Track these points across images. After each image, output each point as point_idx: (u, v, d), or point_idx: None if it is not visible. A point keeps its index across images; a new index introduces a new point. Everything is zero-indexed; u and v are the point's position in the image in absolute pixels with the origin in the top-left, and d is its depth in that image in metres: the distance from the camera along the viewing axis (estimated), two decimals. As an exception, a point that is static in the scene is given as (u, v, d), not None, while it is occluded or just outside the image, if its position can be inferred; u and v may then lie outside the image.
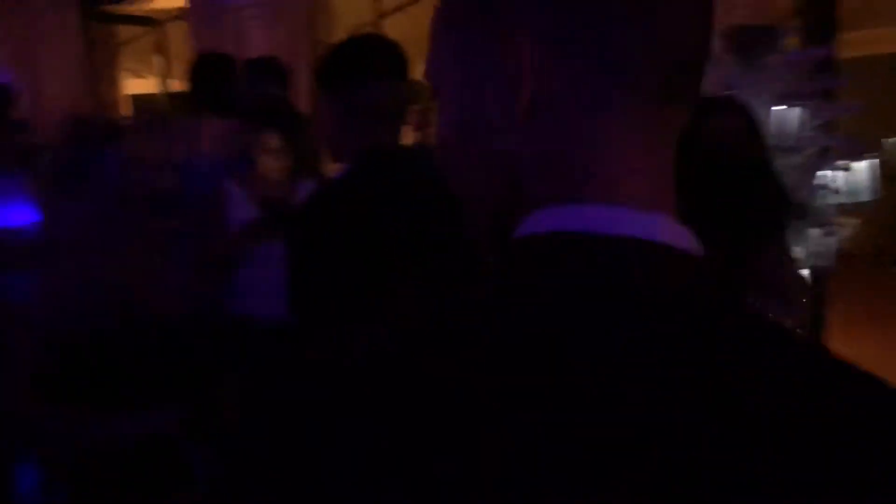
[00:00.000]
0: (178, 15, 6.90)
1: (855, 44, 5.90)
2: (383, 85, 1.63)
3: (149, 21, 6.37)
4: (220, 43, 5.06)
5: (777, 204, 1.58)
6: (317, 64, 1.74)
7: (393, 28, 6.52)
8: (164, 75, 6.40)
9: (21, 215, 2.94)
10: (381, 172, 1.58)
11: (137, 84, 7.94)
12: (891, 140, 7.17)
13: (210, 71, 3.46)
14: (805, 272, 2.83)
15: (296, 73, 4.77)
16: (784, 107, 2.68)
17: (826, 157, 2.79)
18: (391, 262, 1.43)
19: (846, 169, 2.76)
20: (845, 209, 2.86)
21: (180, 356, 1.71)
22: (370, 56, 1.65)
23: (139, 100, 6.92)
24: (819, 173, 2.81)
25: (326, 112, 1.70)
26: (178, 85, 7.17)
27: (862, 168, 2.73)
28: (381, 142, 1.62)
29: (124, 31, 6.66)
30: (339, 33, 5.59)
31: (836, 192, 2.79)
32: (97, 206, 1.78)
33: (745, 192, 1.38)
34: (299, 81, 4.79)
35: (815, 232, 2.76)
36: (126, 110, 6.43)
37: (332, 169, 2.02)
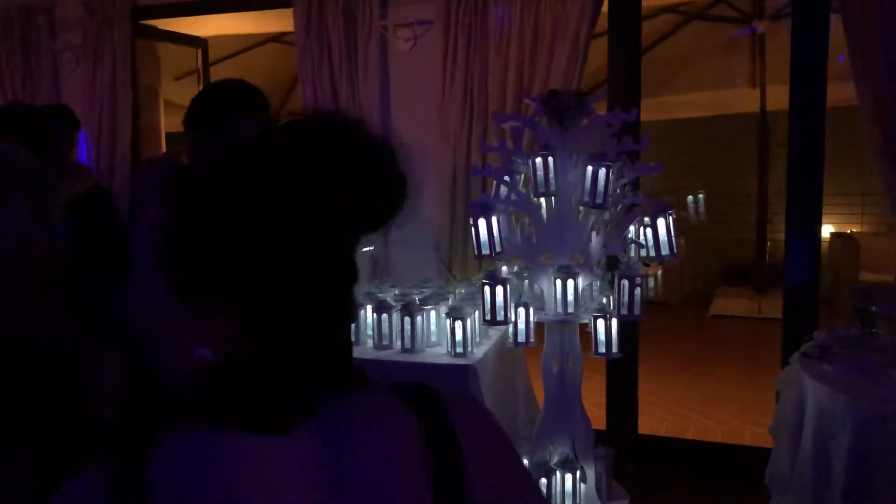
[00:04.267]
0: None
1: (658, 108, 6.44)
2: (246, 125, 1.62)
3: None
4: (32, 84, 4.78)
5: None
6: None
7: (222, 74, 6.43)
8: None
9: None
10: None
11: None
12: (690, 198, 7.81)
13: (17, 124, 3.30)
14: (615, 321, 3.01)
15: (117, 118, 4.59)
16: (592, 167, 2.87)
17: (632, 214, 3.00)
18: None
19: (650, 226, 2.98)
20: (650, 262, 3.08)
21: None
22: (234, 98, 1.64)
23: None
24: (629, 230, 3.02)
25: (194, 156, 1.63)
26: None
27: (662, 225, 2.96)
28: None
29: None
30: (166, 80, 5.44)
31: (642, 246, 3.00)
32: None
33: None
34: (122, 126, 4.61)
35: (624, 283, 2.95)
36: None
37: None
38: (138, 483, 0.71)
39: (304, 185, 0.74)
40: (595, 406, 3.81)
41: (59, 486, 0.74)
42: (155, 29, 4.88)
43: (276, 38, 7.44)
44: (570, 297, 2.98)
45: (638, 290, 2.95)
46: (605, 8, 3.81)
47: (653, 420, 4.54)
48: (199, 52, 5.30)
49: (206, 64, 5.36)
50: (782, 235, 3.83)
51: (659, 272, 7.37)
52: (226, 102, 1.64)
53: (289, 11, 4.27)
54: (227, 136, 1.52)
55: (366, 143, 0.77)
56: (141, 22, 4.70)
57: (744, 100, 7.82)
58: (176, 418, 0.75)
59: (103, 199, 3.40)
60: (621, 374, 4.02)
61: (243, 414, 0.76)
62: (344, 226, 0.77)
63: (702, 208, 7.91)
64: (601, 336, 3.02)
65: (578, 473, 3.05)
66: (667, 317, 7.60)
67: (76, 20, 4.62)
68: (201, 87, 5.27)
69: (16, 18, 4.72)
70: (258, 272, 0.74)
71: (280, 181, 0.74)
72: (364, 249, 0.81)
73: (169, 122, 5.34)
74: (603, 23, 3.87)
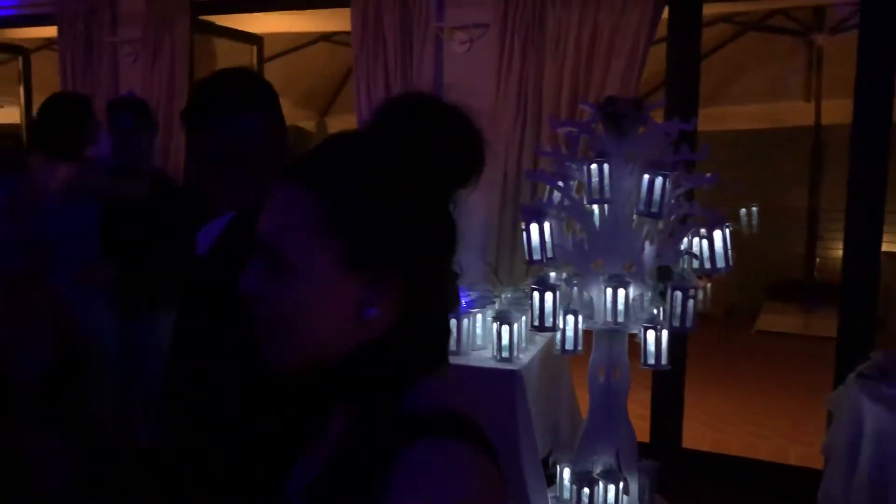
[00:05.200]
0: (46, 44, 6.61)
1: (712, 119, 6.35)
2: (249, 117, 1.49)
3: (17, 49, 6.05)
4: (92, 77, 4.87)
5: None
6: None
7: (274, 72, 6.50)
8: (28, 105, 6.07)
9: None
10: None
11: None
12: (742, 210, 7.68)
13: (58, 112, 3.37)
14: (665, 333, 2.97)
15: (174, 112, 4.66)
16: (649, 175, 2.84)
17: (688, 225, 2.96)
18: None
19: (707, 237, 2.93)
20: (705, 274, 3.04)
21: None
22: (234, 90, 1.53)
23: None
24: (683, 240, 2.98)
25: (191, 153, 1.55)
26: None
27: (719, 237, 2.91)
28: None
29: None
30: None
31: (697, 258, 2.96)
32: None
33: None
34: (177, 120, 4.67)
35: (677, 294, 2.91)
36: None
37: None
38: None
39: (434, 156, 0.86)
40: (638, 418, 3.75)
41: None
42: (213, 25, 4.94)
43: (327, 37, 7.49)
44: (621, 306, 2.94)
45: (691, 302, 2.91)
46: (664, 14, 3.76)
47: (696, 434, 4.46)
48: (255, 49, 5.36)
49: (262, 61, 5.41)
50: (832, 252, 3.75)
51: (708, 285, 7.27)
52: (226, 95, 1.52)
53: (342, 11, 4.29)
54: (230, 131, 1.45)
55: (454, 111, 0.91)
56: (199, 17, 4.76)
57: (797, 113, 7.67)
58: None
59: (169, 199, 3.38)
60: (667, 387, 3.97)
61: (440, 353, 0.90)
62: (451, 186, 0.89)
63: (753, 221, 7.76)
64: (651, 347, 2.99)
65: (622, 485, 3.02)
66: (711, 330, 7.46)
67: (137, 14, 4.70)
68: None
69: (80, 11, 4.82)
70: (415, 237, 0.85)
71: (413, 153, 0.85)
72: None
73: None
74: (659, 29, 3.82)
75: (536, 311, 2.96)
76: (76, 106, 3.42)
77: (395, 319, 0.85)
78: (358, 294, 0.83)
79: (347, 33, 4.60)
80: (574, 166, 3.04)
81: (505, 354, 3.17)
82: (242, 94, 1.51)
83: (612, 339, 3.04)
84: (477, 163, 0.89)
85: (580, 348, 3.02)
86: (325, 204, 0.82)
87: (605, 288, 2.95)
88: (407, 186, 0.83)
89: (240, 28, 5.21)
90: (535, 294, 2.96)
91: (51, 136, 3.33)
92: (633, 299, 2.98)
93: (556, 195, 3.10)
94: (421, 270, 0.85)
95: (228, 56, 5.71)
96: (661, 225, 3.00)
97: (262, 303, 0.84)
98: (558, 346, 3.04)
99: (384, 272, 0.83)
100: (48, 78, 5.92)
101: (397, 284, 0.84)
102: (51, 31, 5.19)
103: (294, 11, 4.82)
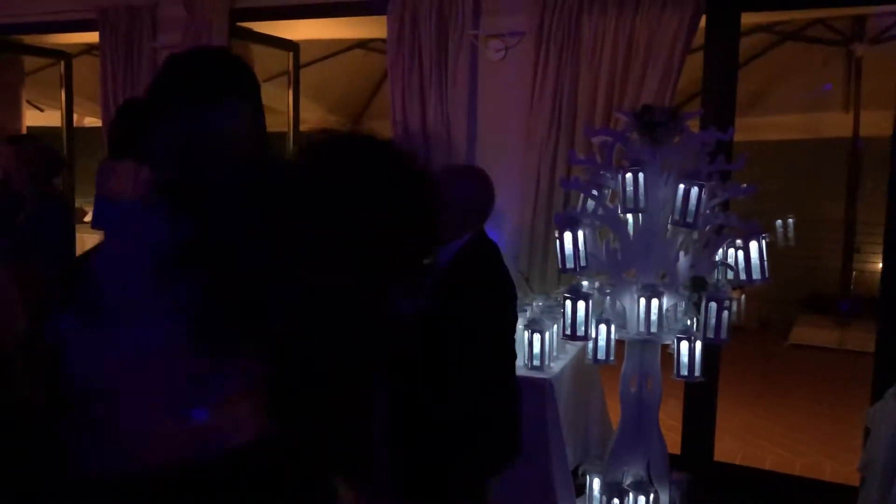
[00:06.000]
0: (87, 49, 6.73)
1: (749, 129, 6.28)
2: (224, 107, 1.26)
3: (59, 54, 6.17)
4: (132, 82, 4.95)
5: None
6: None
7: (309, 78, 6.55)
8: (69, 109, 6.18)
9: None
10: None
11: (35, 116, 7.64)
12: (778, 221, 7.58)
13: (132, 115, 3.51)
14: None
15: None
16: (684, 185, 2.81)
17: (724, 236, 2.93)
18: None
19: (742, 248, 2.90)
20: (741, 285, 3.00)
21: None
22: (209, 73, 1.29)
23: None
24: (718, 251, 2.95)
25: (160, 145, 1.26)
26: (79, 120, 6.96)
27: (755, 248, 2.88)
28: None
29: (27, 62, 6.44)
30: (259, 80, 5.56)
31: (732, 269, 2.93)
32: None
33: None
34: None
35: (712, 305, 2.88)
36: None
37: None
38: None
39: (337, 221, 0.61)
40: (669, 430, 3.72)
41: None
42: (251, 31, 4.99)
43: (362, 44, 7.53)
44: (654, 316, 2.92)
45: (726, 314, 2.88)
46: (701, 23, 3.73)
47: (728, 447, 4.41)
48: (291, 55, 5.41)
49: (297, 67, 5.46)
50: (869, 265, 3.69)
51: (742, 297, 7.19)
52: (202, 79, 1.28)
53: (378, 18, 4.32)
54: (197, 123, 1.17)
55: (397, 176, 0.65)
56: (237, 24, 4.82)
57: (835, 124, 7.56)
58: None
59: None
60: (700, 399, 3.92)
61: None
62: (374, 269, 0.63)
63: (789, 233, 7.65)
64: (684, 358, 2.96)
65: (652, 497, 2.99)
66: (743, 343, 7.37)
67: (177, 20, 4.78)
68: (291, 90, 5.37)
69: (122, 17, 4.91)
70: (294, 315, 0.56)
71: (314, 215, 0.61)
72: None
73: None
74: (697, 38, 3.79)
75: (569, 320, 2.95)
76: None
77: (252, 434, 0.56)
78: (195, 372, 0.53)
79: (383, 40, 4.62)
80: (608, 175, 3.03)
81: (536, 363, 3.16)
82: (220, 79, 1.30)
83: (645, 350, 3.01)
84: (411, 244, 0.62)
85: (612, 358, 3.01)
86: (186, 234, 0.56)
87: (639, 298, 2.93)
88: (301, 235, 0.56)
89: (276, 34, 5.26)
90: (568, 302, 2.95)
91: (132, 140, 3.47)
92: (667, 310, 2.96)
93: (590, 203, 3.09)
94: (291, 366, 0.54)
95: (265, 62, 5.78)
96: (695, 235, 2.97)
97: (73, 355, 0.57)
98: (590, 356, 3.02)
99: (235, 351, 0.55)
100: (89, 82, 6.04)
101: (254, 376, 0.54)
102: (92, 37, 5.29)
103: (330, 18, 4.85)
